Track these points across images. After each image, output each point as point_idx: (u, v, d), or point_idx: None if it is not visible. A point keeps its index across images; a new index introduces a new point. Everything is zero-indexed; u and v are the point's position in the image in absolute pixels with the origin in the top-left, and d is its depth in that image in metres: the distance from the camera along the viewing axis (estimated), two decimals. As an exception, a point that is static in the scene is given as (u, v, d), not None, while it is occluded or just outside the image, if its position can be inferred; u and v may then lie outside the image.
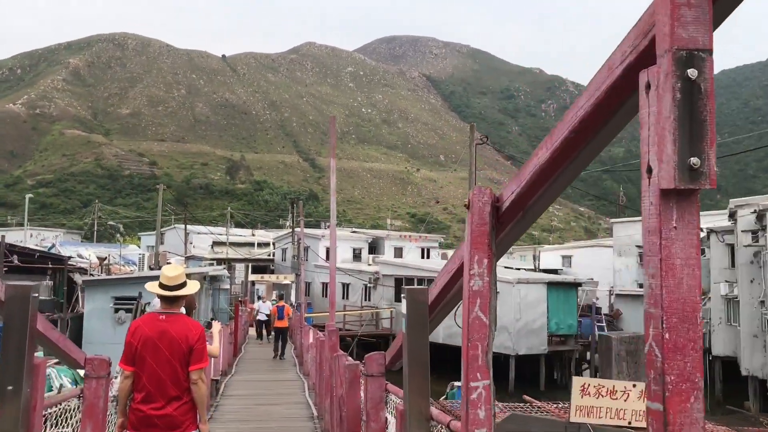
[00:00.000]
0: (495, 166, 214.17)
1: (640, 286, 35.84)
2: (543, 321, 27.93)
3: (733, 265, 26.49)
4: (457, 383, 19.66)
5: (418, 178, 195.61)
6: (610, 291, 33.59)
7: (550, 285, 28.51)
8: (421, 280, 32.28)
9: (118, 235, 59.72)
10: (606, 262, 44.17)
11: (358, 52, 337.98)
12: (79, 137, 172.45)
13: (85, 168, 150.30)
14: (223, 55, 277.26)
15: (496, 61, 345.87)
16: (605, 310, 32.51)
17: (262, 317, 28.82)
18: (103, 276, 25.29)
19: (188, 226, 50.44)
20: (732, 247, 26.37)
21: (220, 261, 45.13)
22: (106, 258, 28.70)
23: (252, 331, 31.92)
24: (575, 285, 30.06)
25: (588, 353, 31.38)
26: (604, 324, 30.60)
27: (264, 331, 29.95)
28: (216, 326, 7.81)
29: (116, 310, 22.34)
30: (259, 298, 34.58)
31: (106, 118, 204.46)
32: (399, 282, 33.68)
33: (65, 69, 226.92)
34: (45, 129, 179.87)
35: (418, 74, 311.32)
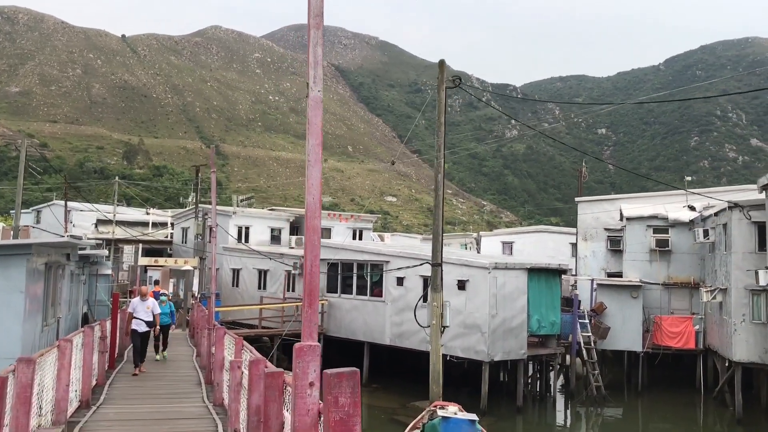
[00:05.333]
0: (401, 158, 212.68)
1: (609, 275, 31.34)
2: (523, 317, 22.23)
3: (762, 248, 21.54)
4: (442, 411, 13.29)
5: (325, 169, 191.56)
6: (592, 280, 28.31)
7: (531, 272, 22.72)
8: (362, 265, 26.15)
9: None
10: (551, 250, 40.31)
11: (266, 39, 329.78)
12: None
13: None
14: (123, 35, 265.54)
15: (404, 55, 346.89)
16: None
17: (140, 326, 16.73)
18: None
19: (69, 203, 42.33)
20: (762, 226, 21.41)
21: (107, 242, 37.50)
22: None
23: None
24: (559, 272, 24.32)
25: (568, 357, 25.96)
26: (586, 321, 25.26)
27: (157, 346, 19.05)
28: None
29: None
30: (130, 292, 21.37)
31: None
32: (334, 267, 27.25)
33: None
34: None
35: (327, 64, 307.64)
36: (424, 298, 21.50)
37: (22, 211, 53.20)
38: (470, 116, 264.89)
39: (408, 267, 23.08)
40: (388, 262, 25.19)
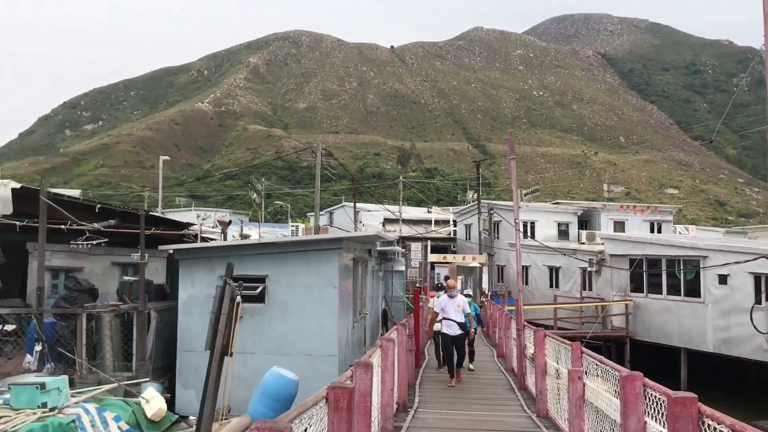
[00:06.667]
0: (682, 146, 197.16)
1: None
2: None
3: None
4: None
5: (596, 162, 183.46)
6: None
7: None
8: (671, 262, 23.16)
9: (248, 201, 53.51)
10: None
11: (528, 34, 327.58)
12: (261, 132, 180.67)
13: (267, 160, 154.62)
14: (392, 46, 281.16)
15: (678, 35, 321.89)
16: None
17: (452, 328, 13.55)
18: (206, 243, 15.92)
19: (358, 204, 44.28)
20: None
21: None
22: (230, 222, 21.87)
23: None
24: None
25: None
26: None
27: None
28: None
29: (233, 299, 14.24)
30: (440, 287, 17.01)
31: (284, 113, 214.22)
32: (638, 264, 24.57)
33: (246, 68, 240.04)
34: (230, 125, 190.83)
35: (592, 53, 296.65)
36: (760, 299, 18.29)
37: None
38: (761, 95, 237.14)
39: (735, 263, 19.76)
40: (705, 257, 21.98)
